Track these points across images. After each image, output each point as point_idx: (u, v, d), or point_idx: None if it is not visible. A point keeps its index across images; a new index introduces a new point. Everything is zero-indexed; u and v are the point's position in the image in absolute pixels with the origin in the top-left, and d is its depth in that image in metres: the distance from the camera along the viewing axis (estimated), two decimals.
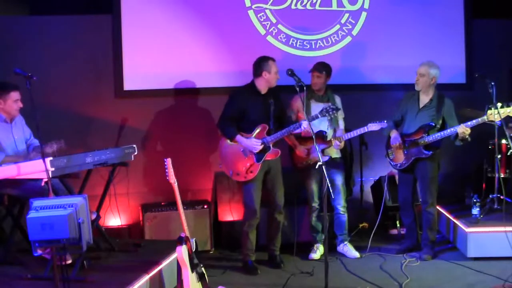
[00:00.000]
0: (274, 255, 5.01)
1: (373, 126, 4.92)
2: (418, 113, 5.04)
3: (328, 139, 5.06)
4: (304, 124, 4.59)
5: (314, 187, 5.14)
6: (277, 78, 4.78)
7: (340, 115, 5.19)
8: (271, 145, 4.76)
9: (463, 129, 4.72)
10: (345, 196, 5.26)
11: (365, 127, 4.93)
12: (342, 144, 5.06)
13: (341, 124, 5.18)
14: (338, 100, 5.22)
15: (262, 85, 4.80)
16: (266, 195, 4.98)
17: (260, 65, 4.76)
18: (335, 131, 5.15)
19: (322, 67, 5.13)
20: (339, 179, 5.19)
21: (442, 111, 4.97)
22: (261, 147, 4.72)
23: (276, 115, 4.85)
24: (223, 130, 4.85)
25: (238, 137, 4.76)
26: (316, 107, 5.09)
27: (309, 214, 5.25)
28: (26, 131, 4.53)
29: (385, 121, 4.92)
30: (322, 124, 5.09)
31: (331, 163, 5.09)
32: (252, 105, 4.79)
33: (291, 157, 5.26)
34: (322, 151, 5.04)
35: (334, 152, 5.15)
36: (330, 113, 4.65)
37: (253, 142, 4.71)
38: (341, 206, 5.21)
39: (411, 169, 5.08)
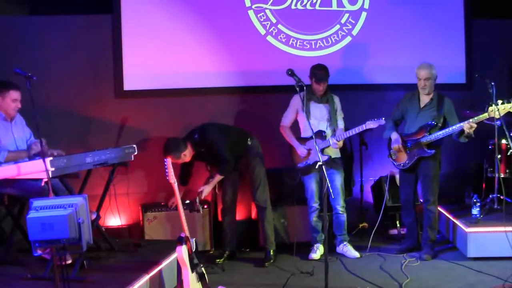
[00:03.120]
0: (266, 250, 5.13)
1: (371, 124, 4.89)
2: (419, 113, 5.04)
3: (327, 138, 5.06)
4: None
5: (314, 186, 5.15)
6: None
7: (340, 115, 5.18)
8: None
9: (470, 125, 4.71)
10: (344, 196, 5.26)
11: (363, 125, 4.90)
12: (341, 143, 5.06)
13: (341, 124, 5.17)
14: (337, 100, 5.21)
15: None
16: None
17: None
18: (334, 131, 5.15)
19: (322, 77, 5.04)
20: (338, 179, 5.18)
21: (443, 110, 4.98)
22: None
23: (214, 157, 5.01)
24: None
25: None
26: (316, 108, 5.12)
27: (309, 214, 5.25)
28: (26, 131, 4.53)
29: (383, 118, 4.88)
30: (321, 124, 5.10)
31: (330, 163, 5.09)
32: (200, 158, 5.15)
33: (291, 157, 5.26)
34: (322, 151, 5.04)
35: (334, 152, 5.14)
36: None
37: None
38: (340, 206, 5.21)
39: (413, 168, 5.08)
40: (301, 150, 5.10)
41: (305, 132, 5.19)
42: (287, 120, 5.22)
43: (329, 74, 5.10)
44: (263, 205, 5.13)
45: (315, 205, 5.17)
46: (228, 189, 5.17)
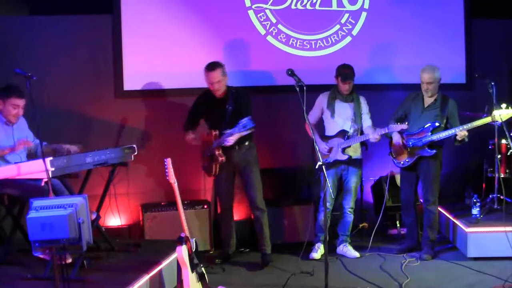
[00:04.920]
0: (262, 254, 5.06)
1: (394, 127, 4.90)
2: (422, 113, 5.05)
3: (350, 138, 5.08)
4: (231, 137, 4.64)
5: (330, 186, 5.12)
6: (210, 87, 4.86)
7: (367, 113, 5.18)
8: (215, 152, 4.81)
9: (463, 133, 4.74)
10: (355, 198, 5.27)
11: (386, 128, 4.92)
12: (379, 137, 4.99)
13: (369, 122, 5.15)
14: (363, 100, 5.21)
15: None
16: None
17: None
18: (358, 130, 5.14)
19: (348, 75, 5.06)
20: (354, 180, 5.20)
21: (446, 111, 4.98)
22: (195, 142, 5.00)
23: (234, 120, 4.74)
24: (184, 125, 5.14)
25: (188, 135, 5.06)
26: (341, 107, 5.13)
27: (317, 212, 5.24)
28: (29, 135, 4.49)
29: (406, 123, 4.88)
30: (346, 124, 5.11)
31: (349, 163, 5.13)
32: (207, 109, 4.96)
33: (313, 154, 5.26)
34: (343, 150, 5.07)
35: (354, 152, 5.15)
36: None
37: (191, 140, 5.06)
38: (349, 207, 5.23)
39: (414, 167, 5.09)
40: (322, 146, 5.11)
41: (329, 131, 5.19)
42: (312, 118, 5.17)
43: (354, 73, 5.11)
44: (263, 208, 5.06)
45: (328, 205, 5.15)
46: (224, 192, 5.09)
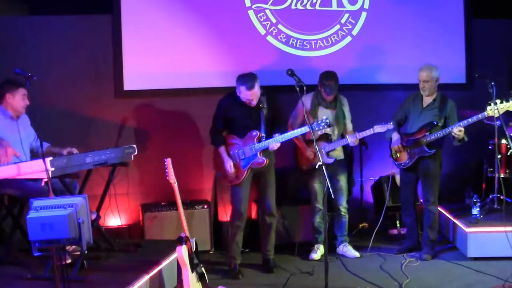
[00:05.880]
0: (266, 259, 4.97)
1: (379, 128, 4.90)
2: (421, 113, 5.05)
3: (333, 141, 5.07)
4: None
5: (318, 187, 5.14)
6: (247, 102, 4.64)
7: (348, 118, 5.18)
8: (258, 154, 4.71)
9: (458, 129, 4.73)
10: (347, 198, 5.26)
11: (371, 129, 4.91)
12: (357, 141, 5.00)
13: (350, 127, 5.16)
14: (345, 102, 5.20)
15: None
16: (258, 196, 5.05)
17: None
18: (343, 136, 5.13)
19: (332, 89, 4.99)
20: (342, 180, 5.20)
21: (445, 111, 4.99)
22: (232, 171, 4.69)
23: (269, 121, 4.76)
24: (211, 136, 4.85)
25: (221, 150, 4.76)
26: (324, 113, 5.06)
27: (312, 214, 5.25)
28: (30, 132, 4.51)
29: (390, 123, 4.89)
30: (328, 129, 5.10)
31: (335, 164, 5.11)
32: (235, 113, 4.73)
33: (296, 158, 5.26)
34: (328, 153, 5.06)
35: (339, 154, 5.15)
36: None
37: (227, 167, 4.70)
38: (342, 207, 5.22)
39: (414, 168, 5.09)
40: (309, 153, 5.09)
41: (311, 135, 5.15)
42: (295, 121, 5.15)
43: (338, 82, 5.05)
44: (276, 215, 4.98)
45: (319, 206, 5.16)
46: (245, 198, 4.79)
